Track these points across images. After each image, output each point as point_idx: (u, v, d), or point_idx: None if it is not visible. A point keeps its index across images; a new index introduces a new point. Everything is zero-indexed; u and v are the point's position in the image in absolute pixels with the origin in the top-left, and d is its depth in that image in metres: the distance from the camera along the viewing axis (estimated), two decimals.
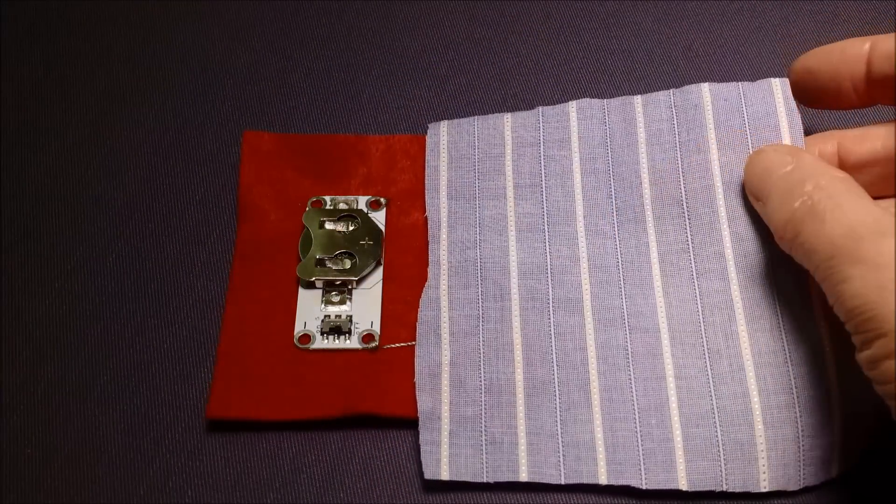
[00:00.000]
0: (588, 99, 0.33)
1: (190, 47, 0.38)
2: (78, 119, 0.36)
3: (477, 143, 0.33)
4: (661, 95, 0.33)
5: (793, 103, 0.31)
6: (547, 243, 0.31)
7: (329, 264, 0.31)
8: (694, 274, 0.30)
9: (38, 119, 0.36)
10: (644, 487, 0.27)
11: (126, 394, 0.29)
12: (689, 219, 0.31)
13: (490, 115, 0.34)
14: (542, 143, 0.33)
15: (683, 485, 0.27)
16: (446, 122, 0.34)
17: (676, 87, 0.34)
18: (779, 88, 0.32)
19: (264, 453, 0.28)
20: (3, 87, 0.37)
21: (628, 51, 0.37)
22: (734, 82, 0.32)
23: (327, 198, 0.33)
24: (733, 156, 0.31)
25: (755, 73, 0.37)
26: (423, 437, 0.28)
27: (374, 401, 0.29)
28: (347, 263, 0.31)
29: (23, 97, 0.36)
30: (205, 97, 0.36)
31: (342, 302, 0.31)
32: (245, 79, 0.37)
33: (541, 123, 0.33)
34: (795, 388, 0.28)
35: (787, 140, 0.31)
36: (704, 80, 0.34)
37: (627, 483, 0.27)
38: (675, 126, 0.32)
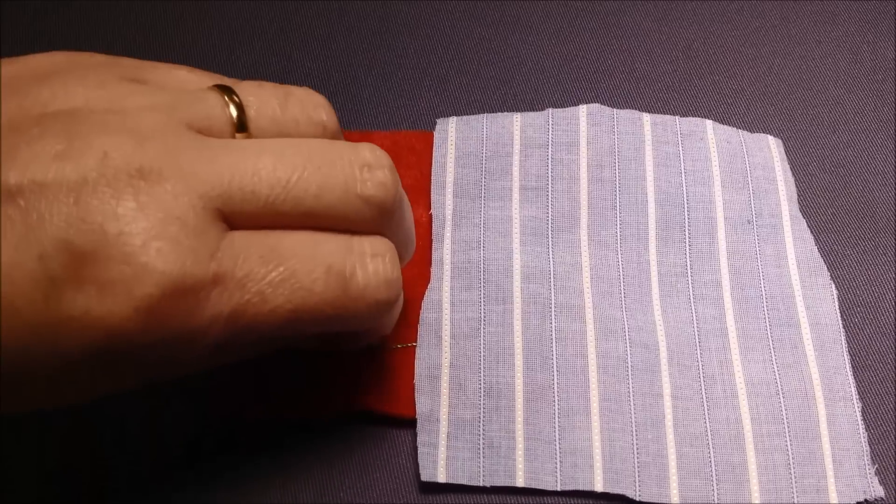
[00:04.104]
0: (598, 105, 0.34)
1: (190, 48, 0.38)
2: None
3: (485, 142, 0.33)
4: (669, 120, 0.34)
5: (787, 164, 0.33)
6: (550, 248, 0.31)
7: None
8: (691, 298, 0.30)
9: None
10: (637, 499, 0.27)
11: (125, 393, 0.30)
12: (689, 245, 0.31)
13: (499, 114, 0.34)
14: (550, 146, 0.33)
15: (676, 500, 0.27)
16: (455, 118, 0.34)
17: (676, 88, 0.34)
18: (775, 146, 0.34)
19: (263, 452, 0.28)
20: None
21: (628, 51, 0.37)
22: (734, 128, 0.34)
23: None
24: (735, 194, 0.32)
25: (755, 73, 0.37)
26: (421, 438, 0.28)
27: (374, 400, 0.29)
28: None
29: None
30: None
31: None
32: (245, 79, 0.37)
33: (550, 125, 0.33)
34: (786, 418, 0.28)
35: (783, 198, 0.32)
36: (704, 80, 0.35)
37: (622, 492, 0.27)
38: (682, 153, 0.33)
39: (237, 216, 0.21)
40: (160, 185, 0.20)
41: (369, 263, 0.23)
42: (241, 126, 0.23)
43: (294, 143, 0.22)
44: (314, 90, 0.25)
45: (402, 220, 0.25)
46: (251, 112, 0.23)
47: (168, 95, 0.22)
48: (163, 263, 0.19)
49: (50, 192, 0.19)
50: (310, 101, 0.24)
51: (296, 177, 0.22)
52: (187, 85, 0.24)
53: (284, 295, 0.21)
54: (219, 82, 0.24)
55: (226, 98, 0.23)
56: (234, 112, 0.23)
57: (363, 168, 0.23)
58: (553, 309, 0.30)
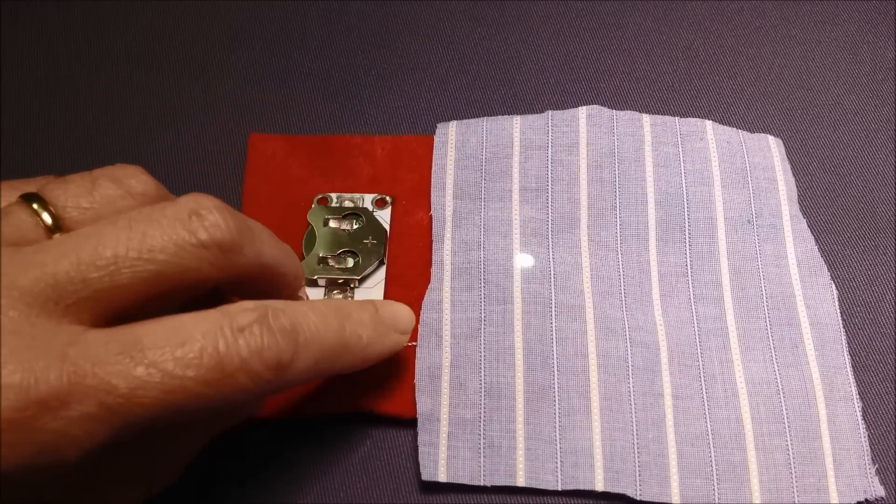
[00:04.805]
0: (597, 106, 0.34)
1: (190, 47, 0.38)
2: (78, 120, 0.36)
3: (485, 144, 0.33)
4: (668, 120, 0.34)
5: (787, 164, 0.33)
6: (550, 249, 0.31)
7: (332, 263, 0.31)
8: (691, 298, 0.30)
9: (38, 119, 0.36)
10: (638, 498, 0.27)
11: None
12: (689, 245, 0.31)
13: (499, 117, 0.34)
14: (550, 147, 0.33)
15: (676, 500, 0.27)
16: (455, 121, 0.34)
17: (676, 88, 0.34)
18: (775, 146, 0.34)
19: (264, 453, 0.28)
20: (4, 87, 0.37)
21: (628, 51, 0.37)
22: (734, 129, 0.34)
23: (333, 195, 0.33)
24: (735, 194, 0.32)
25: (755, 73, 0.37)
26: (422, 438, 0.28)
27: (373, 400, 0.29)
28: (350, 262, 0.31)
29: (23, 97, 0.36)
30: (205, 97, 0.36)
31: None
32: (245, 79, 0.37)
33: (550, 127, 0.33)
34: (787, 418, 0.28)
35: (783, 198, 0.32)
36: (704, 80, 0.35)
37: (623, 492, 0.27)
38: (681, 154, 0.33)
39: (84, 308, 0.21)
40: None
41: (240, 337, 0.22)
42: (56, 228, 0.22)
43: (111, 220, 0.22)
44: (126, 163, 0.24)
45: (262, 246, 0.24)
46: (61, 211, 0.22)
47: None
48: (9, 377, 0.19)
49: None
50: (121, 176, 0.24)
51: (122, 250, 0.21)
52: None
53: (157, 387, 0.20)
54: (23, 190, 0.23)
55: (33, 206, 0.22)
56: (46, 217, 0.22)
57: (191, 217, 0.22)
58: (553, 309, 0.30)
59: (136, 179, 0.24)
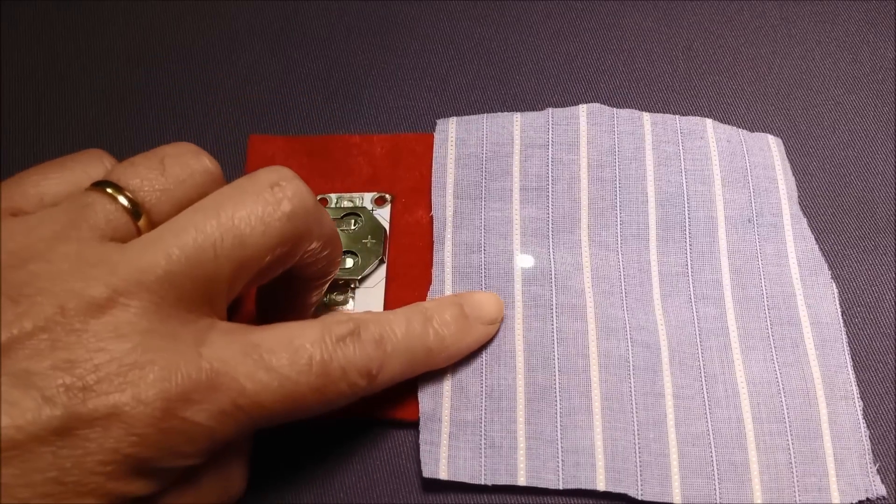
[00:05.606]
0: (598, 104, 0.34)
1: (190, 47, 0.38)
2: (78, 119, 0.36)
3: (485, 142, 0.33)
4: (669, 119, 0.34)
5: (787, 164, 0.33)
6: (551, 249, 0.31)
7: None
8: (692, 297, 0.30)
9: (38, 119, 0.36)
10: (640, 498, 0.27)
11: None
12: (689, 245, 0.31)
13: (499, 114, 0.34)
14: (550, 146, 0.33)
15: (678, 499, 0.27)
16: (455, 118, 0.34)
17: (676, 88, 0.34)
18: (775, 146, 0.33)
19: (263, 453, 0.28)
20: (3, 87, 0.37)
21: (628, 51, 0.37)
22: (734, 127, 0.34)
23: (333, 196, 0.33)
24: (736, 193, 0.32)
25: (755, 73, 0.37)
26: (423, 437, 0.28)
27: (376, 407, 0.29)
28: (350, 262, 0.31)
29: (23, 97, 0.36)
30: (205, 97, 0.36)
31: (345, 301, 0.31)
32: (245, 79, 0.37)
33: (550, 125, 0.33)
34: (788, 417, 0.28)
35: (783, 197, 0.32)
36: (704, 80, 0.35)
37: (625, 491, 0.27)
38: (682, 152, 0.33)
39: (196, 302, 0.22)
40: (118, 308, 0.20)
41: (338, 348, 0.23)
42: (136, 212, 0.22)
43: (197, 208, 0.22)
44: (187, 141, 0.25)
45: (326, 215, 0.25)
46: (139, 195, 0.23)
47: (60, 216, 0.22)
48: (158, 371, 0.20)
49: (25, 350, 0.19)
50: (182, 154, 0.24)
51: (218, 238, 0.22)
52: (54, 188, 0.23)
53: (277, 391, 0.22)
54: (85, 176, 0.23)
55: (109, 192, 0.22)
56: (123, 201, 0.22)
57: (273, 189, 0.23)
58: (554, 309, 0.30)
59: (202, 156, 0.24)
